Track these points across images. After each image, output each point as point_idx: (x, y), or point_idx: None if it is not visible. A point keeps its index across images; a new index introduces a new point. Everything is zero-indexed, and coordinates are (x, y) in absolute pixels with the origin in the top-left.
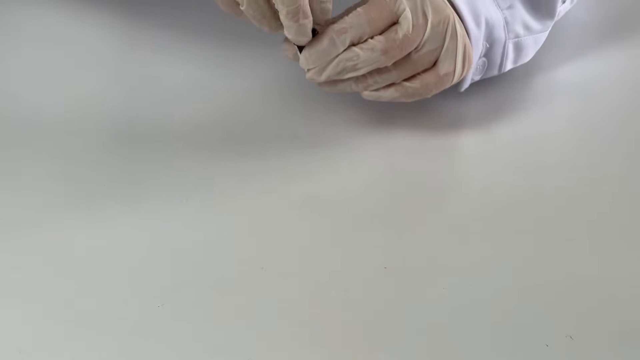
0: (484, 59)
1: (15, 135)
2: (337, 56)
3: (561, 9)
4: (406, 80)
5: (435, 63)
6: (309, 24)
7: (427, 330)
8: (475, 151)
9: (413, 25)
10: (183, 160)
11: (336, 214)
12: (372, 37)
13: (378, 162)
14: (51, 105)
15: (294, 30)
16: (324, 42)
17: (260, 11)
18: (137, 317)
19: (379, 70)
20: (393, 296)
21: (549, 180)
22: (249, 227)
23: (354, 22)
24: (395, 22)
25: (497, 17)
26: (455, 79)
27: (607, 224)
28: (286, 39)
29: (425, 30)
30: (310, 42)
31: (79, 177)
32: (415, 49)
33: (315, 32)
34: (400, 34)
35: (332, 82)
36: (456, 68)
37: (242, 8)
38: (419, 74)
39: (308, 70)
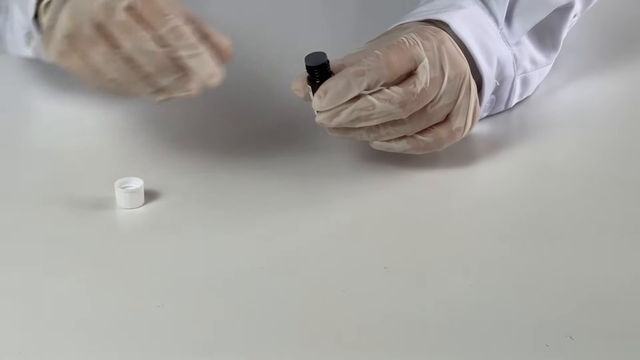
0: (492, 96)
1: (16, 144)
2: (352, 100)
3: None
4: (419, 133)
5: (447, 117)
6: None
7: (427, 330)
8: (476, 156)
9: (431, 78)
10: (182, 163)
11: (336, 213)
12: (388, 87)
13: (381, 164)
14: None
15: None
16: (340, 84)
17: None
18: (137, 317)
19: (392, 122)
20: (393, 296)
21: (550, 182)
22: (249, 227)
23: (372, 65)
24: (413, 70)
25: (507, 54)
26: (465, 134)
27: (607, 225)
28: (299, 79)
29: (442, 83)
30: (326, 83)
31: (79, 178)
32: (431, 102)
33: (330, 74)
34: (419, 87)
35: (343, 129)
36: (466, 123)
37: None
38: (431, 127)
39: (318, 112)
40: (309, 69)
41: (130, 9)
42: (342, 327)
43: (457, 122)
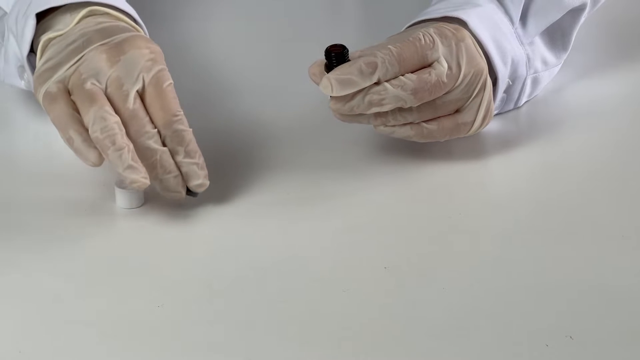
0: (503, 94)
1: (18, 140)
2: (362, 90)
3: None
4: (424, 121)
5: (457, 110)
6: (172, 179)
7: (427, 330)
8: (482, 155)
9: (447, 74)
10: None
11: (336, 213)
12: (402, 75)
13: (379, 163)
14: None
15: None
16: (353, 70)
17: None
18: (137, 317)
19: (400, 109)
20: (393, 296)
21: (550, 182)
22: (249, 227)
23: (385, 59)
24: (426, 66)
25: (520, 54)
26: (472, 131)
27: (607, 225)
28: (317, 63)
29: (458, 79)
30: (338, 68)
31: (80, 179)
32: (443, 95)
33: (346, 59)
34: (433, 78)
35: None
36: (476, 120)
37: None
38: (437, 117)
39: (332, 98)
40: (327, 54)
41: (136, 94)
42: (342, 327)
43: (464, 117)
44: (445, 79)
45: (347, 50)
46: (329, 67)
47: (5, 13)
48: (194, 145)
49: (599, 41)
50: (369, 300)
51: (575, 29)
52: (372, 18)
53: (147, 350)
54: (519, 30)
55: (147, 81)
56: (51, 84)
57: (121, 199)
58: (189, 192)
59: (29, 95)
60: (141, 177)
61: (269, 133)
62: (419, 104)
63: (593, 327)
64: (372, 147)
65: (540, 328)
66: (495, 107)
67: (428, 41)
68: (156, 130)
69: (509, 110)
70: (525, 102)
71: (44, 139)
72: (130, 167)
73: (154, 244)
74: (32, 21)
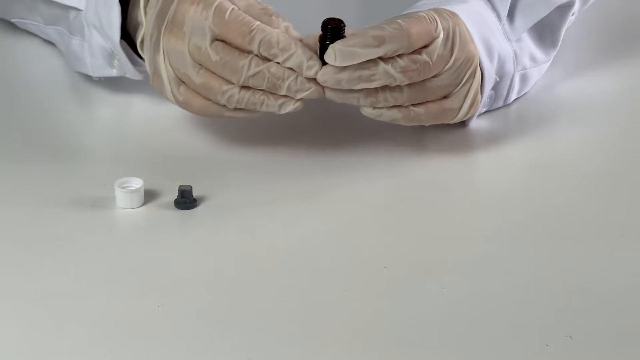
0: (491, 91)
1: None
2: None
3: None
4: (412, 104)
5: (445, 97)
6: (292, 82)
7: (426, 330)
8: (475, 153)
9: (437, 55)
10: (182, 163)
11: (336, 213)
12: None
13: (379, 163)
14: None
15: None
16: (358, 42)
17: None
18: (137, 317)
19: (391, 89)
20: (393, 296)
21: (543, 180)
22: (249, 227)
23: (394, 34)
24: (428, 45)
25: (507, 50)
26: (458, 118)
27: (607, 225)
28: (313, 36)
29: (448, 62)
30: (344, 40)
31: (80, 178)
32: (434, 77)
33: (342, 35)
34: (424, 58)
35: (341, 91)
36: (462, 107)
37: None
38: (426, 101)
39: (323, 68)
40: (324, 26)
41: (215, 41)
42: (342, 327)
43: (450, 103)
44: (434, 60)
45: (344, 26)
46: (323, 40)
47: (78, 11)
48: (285, 41)
49: (589, 38)
50: (369, 300)
51: (564, 25)
52: (371, 17)
53: (147, 350)
54: (507, 26)
55: (212, 24)
56: (190, 75)
57: (121, 199)
58: (184, 204)
59: (29, 93)
60: (294, 103)
61: (267, 131)
62: (408, 83)
63: (593, 327)
64: (370, 146)
65: (540, 328)
66: (483, 104)
67: (431, 19)
68: (250, 55)
69: (499, 108)
70: (515, 99)
71: (44, 138)
72: (281, 105)
73: (153, 244)
74: (117, 8)
